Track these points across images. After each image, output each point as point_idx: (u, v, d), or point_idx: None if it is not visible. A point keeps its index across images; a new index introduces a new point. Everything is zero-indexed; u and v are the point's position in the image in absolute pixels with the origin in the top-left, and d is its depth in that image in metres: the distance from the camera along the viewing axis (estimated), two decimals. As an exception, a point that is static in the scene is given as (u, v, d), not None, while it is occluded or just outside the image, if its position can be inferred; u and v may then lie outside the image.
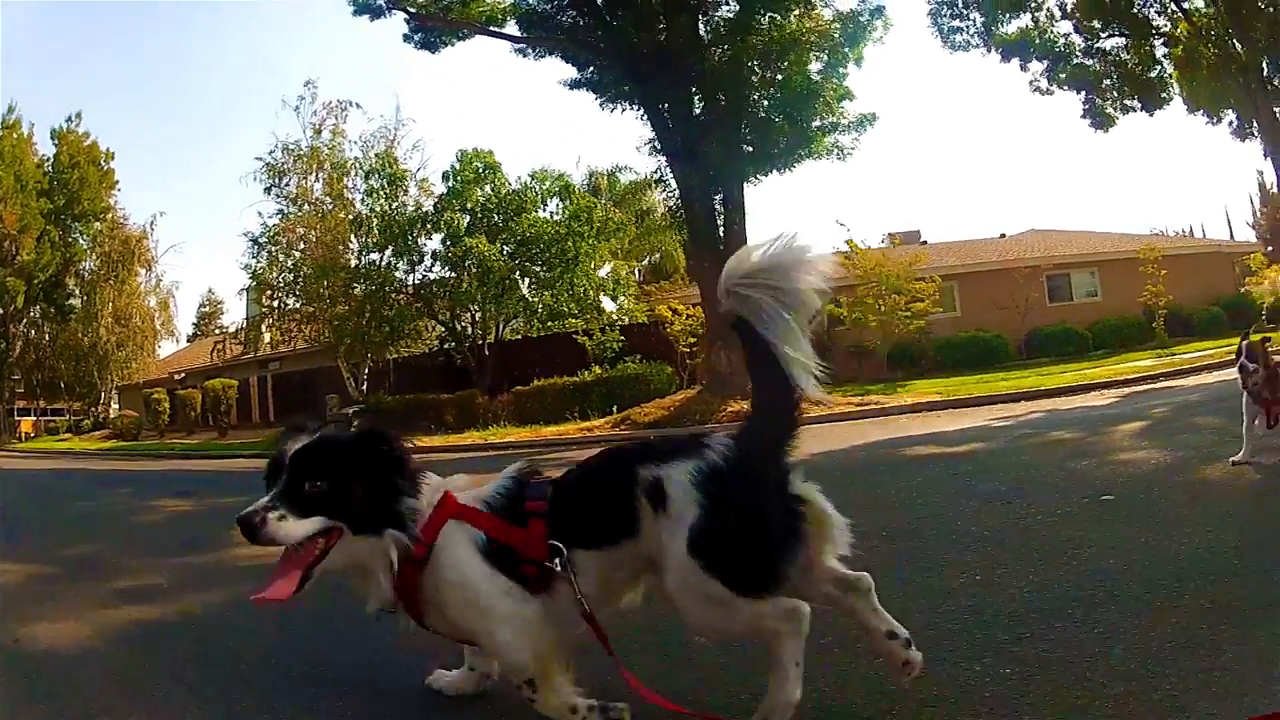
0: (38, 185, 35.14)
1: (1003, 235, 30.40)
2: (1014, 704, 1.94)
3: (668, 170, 17.23)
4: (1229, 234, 39.73)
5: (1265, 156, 23.65)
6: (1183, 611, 2.44)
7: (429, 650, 2.35)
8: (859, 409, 12.72)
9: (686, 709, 1.87)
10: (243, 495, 1.93)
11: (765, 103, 15.94)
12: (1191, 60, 22.35)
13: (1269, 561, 2.91)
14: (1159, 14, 23.00)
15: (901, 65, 77.64)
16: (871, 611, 1.96)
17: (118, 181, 38.03)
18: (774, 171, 16.08)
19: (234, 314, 52.94)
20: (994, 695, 2.00)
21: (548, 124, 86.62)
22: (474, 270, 20.00)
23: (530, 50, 17.34)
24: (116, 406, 37.12)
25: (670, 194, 18.80)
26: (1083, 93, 24.06)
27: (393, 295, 21.38)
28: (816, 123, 15.85)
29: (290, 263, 22.73)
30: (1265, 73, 21.52)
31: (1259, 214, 38.41)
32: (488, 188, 21.63)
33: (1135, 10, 22.82)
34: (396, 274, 21.68)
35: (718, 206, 15.76)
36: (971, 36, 23.09)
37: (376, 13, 16.69)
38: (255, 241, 22.93)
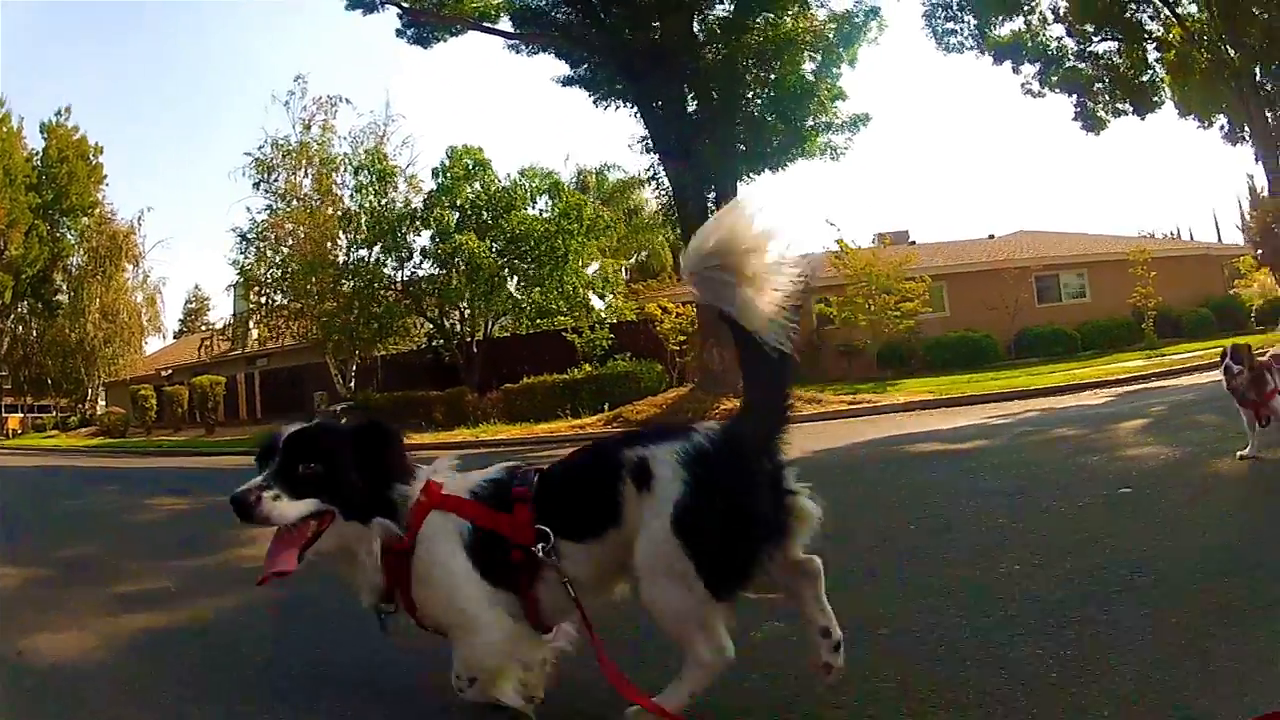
0: (26, 179, 34.91)
1: (991, 236, 30.54)
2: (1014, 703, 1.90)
3: (660, 168, 17.23)
4: (1216, 237, 39.93)
5: (1256, 160, 23.85)
6: (1184, 611, 2.40)
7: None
8: (851, 407, 12.71)
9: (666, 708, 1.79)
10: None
11: (759, 101, 15.93)
12: (1184, 65, 22.45)
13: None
14: (1152, 19, 23.13)
15: (891, 65, 77.86)
16: (814, 600, 1.92)
17: (106, 176, 37.94)
18: (767, 170, 16.09)
19: (220, 310, 52.92)
20: (995, 694, 1.96)
21: (536, 122, 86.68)
22: (463, 267, 19.93)
23: (523, 47, 17.32)
24: (103, 403, 36.79)
25: (663, 191, 18.79)
26: (1075, 95, 24.20)
27: (381, 292, 21.31)
28: (810, 122, 15.86)
29: (278, 259, 22.61)
30: (1258, 78, 21.64)
31: (1249, 217, 38.60)
32: (477, 185, 21.58)
33: (1128, 15, 22.91)
34: (385, 270, 21.61)
35: (711, 205, 15.74)
36: (966, 39, 23.20)
37: (369, 8, 16.64)
38: (244, 237, 22.85)
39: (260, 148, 23.28)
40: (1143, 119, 24.13)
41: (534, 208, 21.77)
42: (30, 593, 4.20)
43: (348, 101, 26.55)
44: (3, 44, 39.34)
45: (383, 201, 21.83)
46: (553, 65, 17.83)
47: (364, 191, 22.07)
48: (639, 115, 16.64)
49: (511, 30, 17.27)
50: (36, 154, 36.70)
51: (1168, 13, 22.27)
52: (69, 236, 37.07)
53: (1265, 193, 30.74)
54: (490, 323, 21.72)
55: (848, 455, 7.23)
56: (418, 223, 21.28)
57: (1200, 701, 1.81)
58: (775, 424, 1.88)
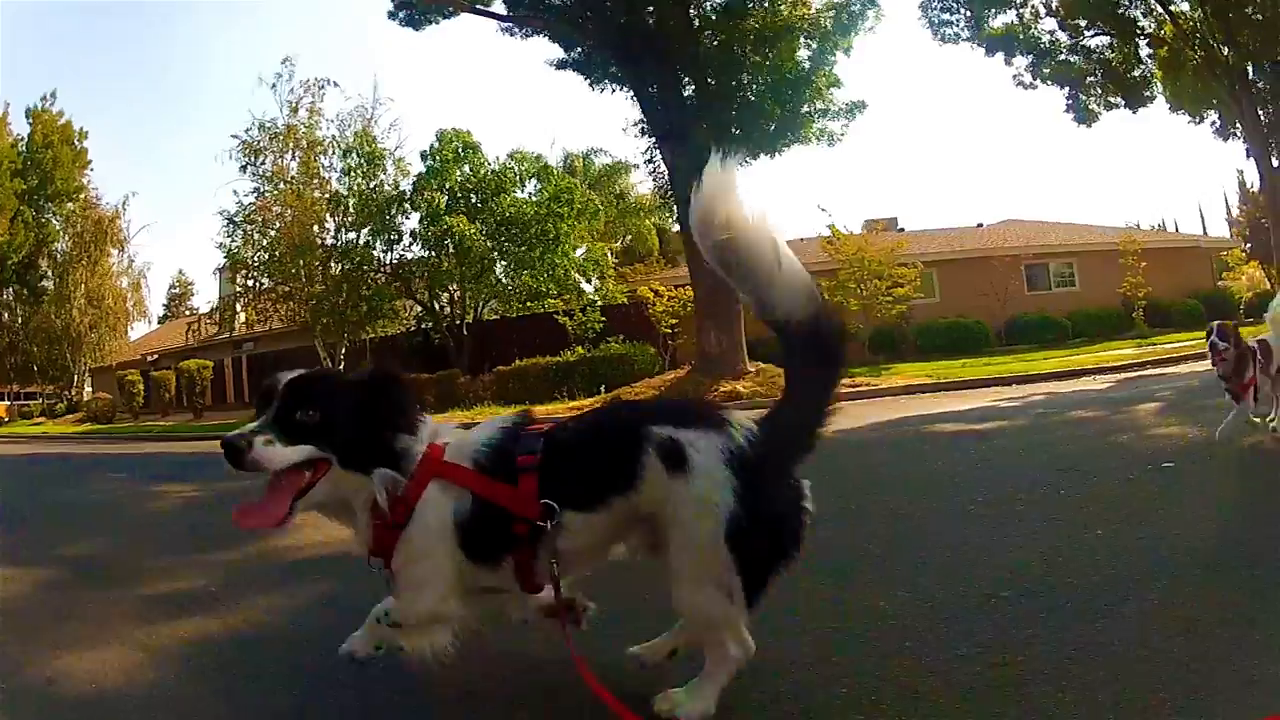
0: (11, 165, 34.50)
1: (980, 224, 30.64)
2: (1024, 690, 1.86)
3: (657, 152, 17.15)
4: (1202, 230, 40.29)
5: (1248, 156, 23.95)
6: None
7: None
8: (850, 390, 12.70)
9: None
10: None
11: (755, 86, 15.88)
12: (1176, 61, 22.53)
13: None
14: (1145, 15, 23.19)
15: (879, 54, 77.99)
16: None
17: (90, 161, 37.51)
18: (762, 155, 16.05)
19: (204, 295, 52.59)
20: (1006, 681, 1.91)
21: (522, 106, 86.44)
22: (453, 250, 19.82)
23: (517, 29, 17.17)
24: (90, 389, 36.47)
25: (659, 175, 18.73)
26: (1067, 88, 24.26)
27: (370, 274, 21.14)
28: (806, 108, 15.83)
29: (265, 241, 22.40)
30: (1250, 76, 21.74)
31: (1239, 211, 38.99)
32: (466, 168, 21.45)
33: (1120, 10, 22.97)
34: (374, 253, 21.44)
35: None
36: (961, 30, 23.19)
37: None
38: (231, 220, 22.57)
39: (247, 130, 23.00)
40: (1135, 112, 24.19)
41: (523, 191, 21.65)
42: (43, 600, 3.57)
43: (335, 84, 26.29)
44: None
45: (371, 184, 21.64)
46: (545, 48, 17.71)
47: (352, 174, 21.87)
48: (634, 99, 16.55)
49: (505, 12, 17.14)
50: (21, 139, 36.28)
51: (1160, 9, 22.34)
52: (54, 222, 36.64)
53: (1255, 188, 31.07)
54: (480, 305, 21.59)
55: (876, 434, 7.19)
56: (407, 205, 21.11)
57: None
58: (811, 434, 1.81)
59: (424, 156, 21.88)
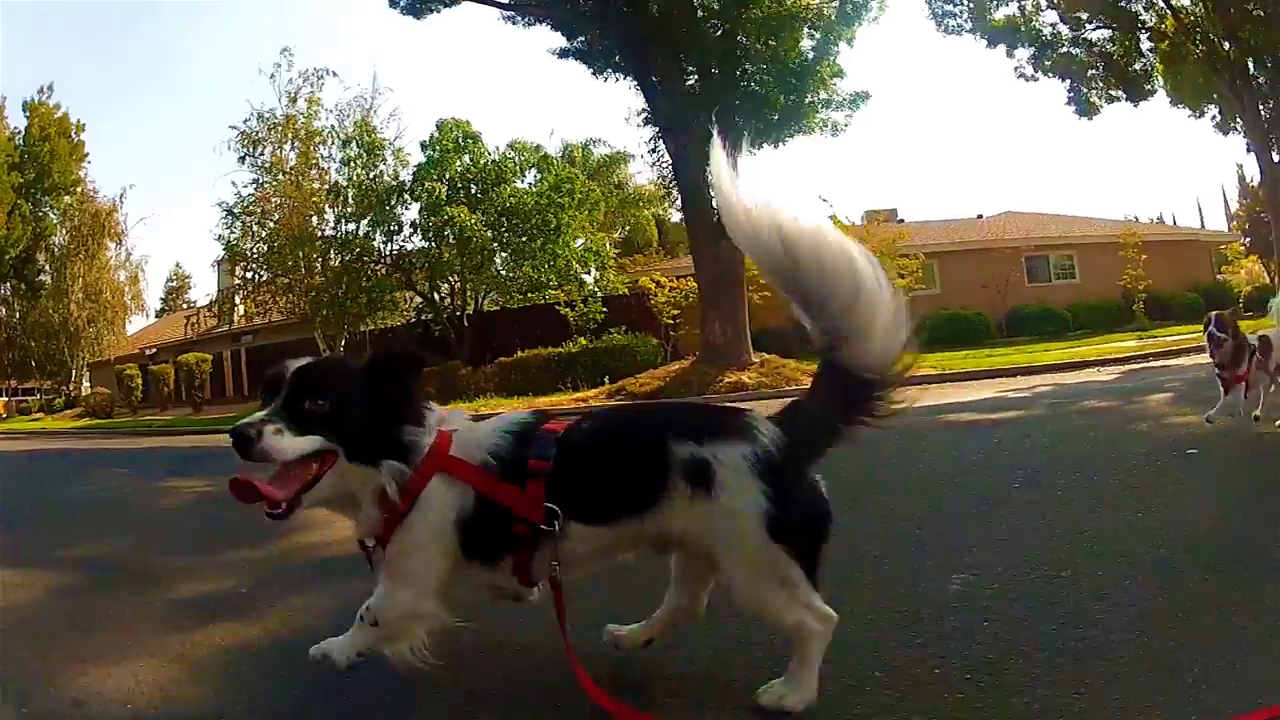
0: (8, 159, 34.37)
1: (979, 216, 30.63)
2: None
3: (660, 141, 17.10)
4: (1200, 223, 40.36)
5: (1248, 151, 23.96)
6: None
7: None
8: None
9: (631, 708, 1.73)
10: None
11: (759, 76, 15.84)
12: (1177, 55, 22.53)
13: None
14: (1146, 9, 23.18)
15: (881, 45, 78.00)
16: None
17: (88, 154, 37.45)
18: (766, 145, 16.02)
19: (202, 288, 52.35)
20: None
21: (521, 96, 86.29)
22: (453, 240, 19.76)
23: (519, 18, 17.09)
24: (88, 384, 36.35)
25: (664, 165, 18.67)
26: (1068, 81, 24.26)
27: (371, 265, 21.08)
28: (810, 98, 15.81)
29: (264, 233, 22.30)
30: (1251, 71, 21.75)
31: (1238, 206, 39.07)
32: (466, 158, 21.39)
33: (1122, 4, 22.96)
34: (374, 244, 21.38)
35: (710, 177, 15.59)
36: (964, 21, 23.17)
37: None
38: (230, 211, 22.50)
39: (246, 121, 22.92)
40: (1136, 105, 24.20)
41: (523, 182, 21.60)
42: (59, 607, 3.19)
43: (334, 74, 26.20)
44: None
45: (371, 175, 21.58)
46: (547, 37, 17.66)
47: (352, 165, 21.79)
48: (638, 88, 16.50)
49: (508, 1, 17.07)
50: (18, 133, 36.16)
51: (1161, 3, 22.33)
52: (51, 216, 36.56)
53: (1255, 183, 31.12)
54: (481, 296, 21.55)
55: (893, 423, 7.14)
56: (406, 196, 21.05)
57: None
58: (835, 434, 1.80)
59: (424, 146, 21.84)
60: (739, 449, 1.70)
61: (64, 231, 36.40)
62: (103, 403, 28.60)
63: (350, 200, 21.48)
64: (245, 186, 22.77)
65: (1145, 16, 23.26)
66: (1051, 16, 23.73)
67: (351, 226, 21.61)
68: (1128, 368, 11.57)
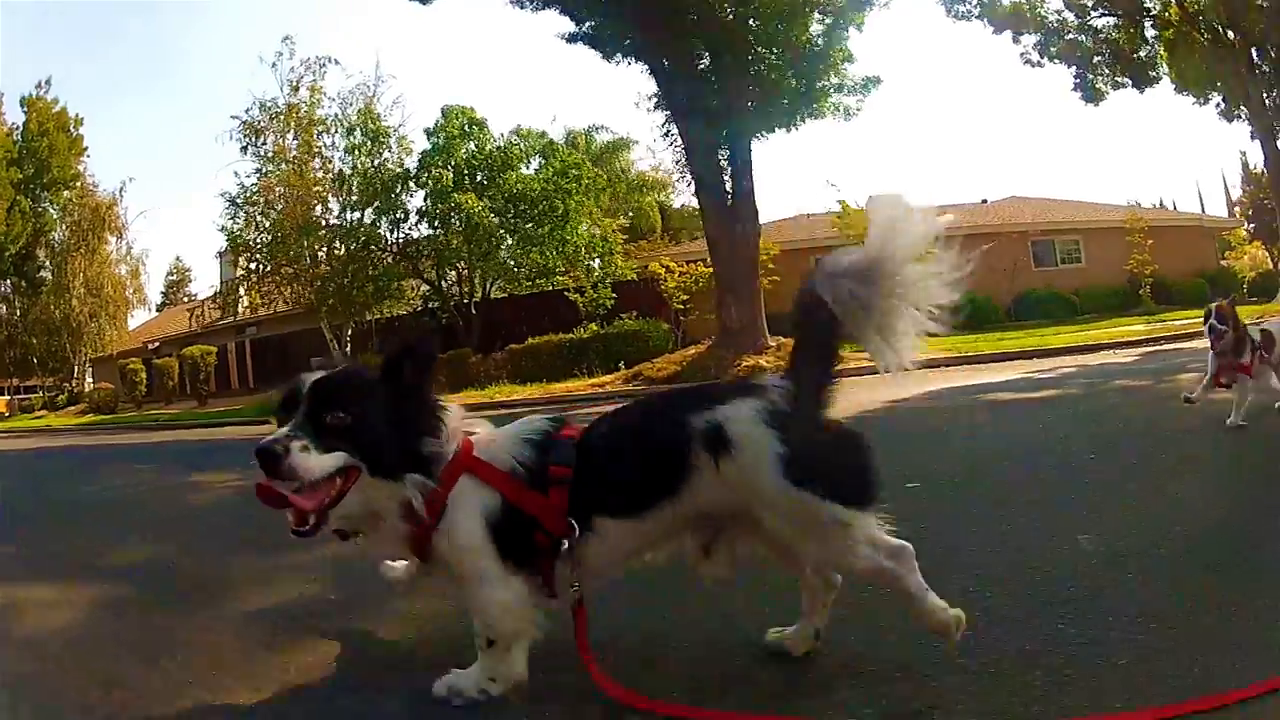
0: (7, 155, 34.16)
1: (984, 200, 30.57)
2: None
3: (672, 125, 17.05)
4: (1200, 209, 40.42)
5: (1252, 138, 24.00)
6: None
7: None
8: (871, 363, 12.63)
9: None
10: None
11: (771, 60, 15.79)
12: (1183, 43, 22.54)
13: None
14: (1151, -3, 23.18)
15: (888, 31, 77.60)
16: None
17: (87, 148, 37.16)
18: (778, 129, 15.99)
19: (203, 281, 52.13)
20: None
21: (523, 83, 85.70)
22: (460, 227, 19.69)
23: (528, 2, 17.02)
24: (91, 380, 36.17)
25: (676, 149, 18.60)
26: (1074, 67, 24.26)
27: (377, 254, 21.00)
28: (821, 83, 15.78)
29: (268, 223, 22.20)
30: (1255, 59, 21.76)
31: (1241, 192, 39.18)
32: (471, 144, 21.31)
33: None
34: (380, 232, 21.30)
35: (723, 162, 15.59)
36: (973, 7, 23.15)
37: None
38: (233, 202, 22.37)
39: (248, 110, 22.81)
40: (1141, 92, 24.23)
41: (529, 168, 21.53)
42: (113, 628, 2.63)
43: (336, 62, 26.10)
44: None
45: (375, 162, 21.48)
46: (554, 22, 17.56)
47: (356, 153, 21.68)
48: (649, 73, 16.46)
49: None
50: (17, 128, 35.94)
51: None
52: (51, 211, 36.33)
53: (1259, 170, 31.17)
54: (488, 284, 21.48)
55: (939, 402, 7.22)
56: (412, 183, 20.97)
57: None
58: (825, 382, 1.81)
59: (429, 133, 21.73)
60: (748, 404, 1.71)
61: (64, 226, 36.14)
62: (106, 398, 28.45)
63: (355, 188, 21.38)
64: (248, 176, 22.66)
65: (1150, 4, 23.30)
66: (1057, 3, 23.76)
67: (357, 215, 21.53)
68: (1143, 350, 11.62)
